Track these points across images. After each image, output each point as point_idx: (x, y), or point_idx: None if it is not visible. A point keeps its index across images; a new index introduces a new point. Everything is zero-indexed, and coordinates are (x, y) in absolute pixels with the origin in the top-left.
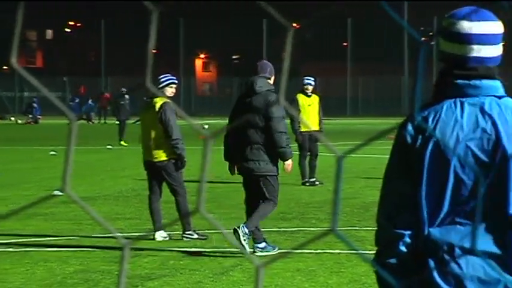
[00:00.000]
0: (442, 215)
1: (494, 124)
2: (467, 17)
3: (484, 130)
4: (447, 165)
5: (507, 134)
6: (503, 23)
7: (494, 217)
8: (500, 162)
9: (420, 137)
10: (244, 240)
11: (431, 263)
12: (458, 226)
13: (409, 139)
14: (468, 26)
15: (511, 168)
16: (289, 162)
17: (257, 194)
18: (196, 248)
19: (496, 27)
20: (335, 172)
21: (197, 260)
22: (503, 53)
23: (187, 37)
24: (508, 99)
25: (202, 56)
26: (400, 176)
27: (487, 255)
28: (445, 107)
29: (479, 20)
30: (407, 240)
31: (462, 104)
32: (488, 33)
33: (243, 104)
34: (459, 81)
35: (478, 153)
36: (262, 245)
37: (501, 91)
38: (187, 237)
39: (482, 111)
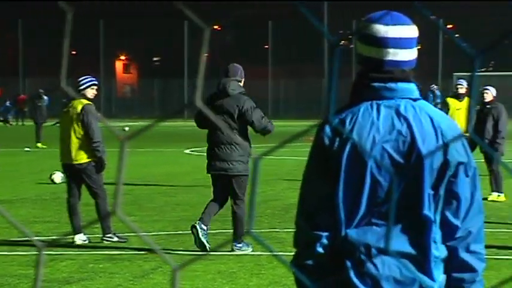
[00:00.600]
0: (359, 216)
1: (409, 126)
2: (384, 21)
3: (399, 132)
4: (364, 167)
5: (422, 136)
6: (418, 27)
7: (410, 218)
8: (415, 164)
9: (338, 139)
10: (244, 250)
11: (349, 264)
12: (374, 227)
13: (326, 141)
14: (384, 30)
15: (425, 170)
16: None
17: (224, 193)
18: (116, 251)
19: (411, 31)
20: (251, 174)
21: (117, 263)
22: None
23: (107, 38)
24: (422, 101)
25: (122, 57)
26: (318, 178)
27: (403, 255)
28: (362, 110)
29: (395, 24)
30: (325, 241)
31: (378, 106)
32: (404, 37)
33: (215, 106)
34: (375, 84)
35: (394, 154)
36: (205, 229)
37: (416, 94)
38: (107, 240)
39: (398, 113)
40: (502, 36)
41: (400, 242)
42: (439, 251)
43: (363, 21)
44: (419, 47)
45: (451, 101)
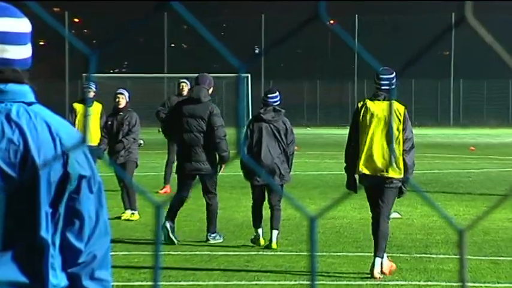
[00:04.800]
0: None
1: (22, 133)
2: None
3: (10, 140)
4: None
5: (37, 145)
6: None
7: (23, 241)
8: (30, 177)
9: None
10: (217, 240)
11: None
12: None
13: None
14: None
15: (41, 184)
16: (223, 166)
17: (190, 191)
18: None
19: (22, 25)
20: None
21: None
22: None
23: None
24: (38, 106)
25: None
26: None
27: (13, 285)
28: None
29: (2, 16)
30: None
31: None
32: (14, 32)
33: (186, 110)
34: None
35: (4, 166)
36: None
37: (31, 97)
38: None
39: (9, 119)
40: (120, 36)
41: (10, 270)
42: (58, 278)
43: None
44: (42, 43)
45: (78, 106)
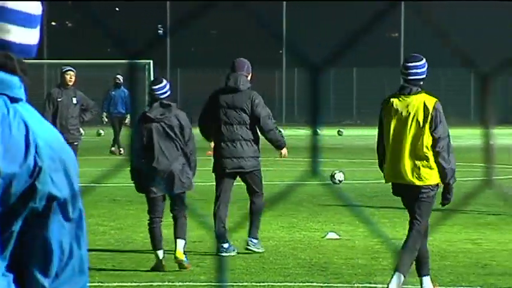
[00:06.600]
0: None
1: None
2: None
3: None
4: None
5: (5, 145)
6: None
7: None
8: None
9: None
10: (258, 248)
11: None
12: None
13: None
14: None
15: None
16: (284, 150)
17: (231, 191)
18: None
19: (31, 4)
20: None
21: None
22: None
23: None
24: (25, 104)
25: None
26: None
27: None
28: None
29: None
30: None
31: None
32: (20, 10)
33: (223, 101)
34: None
35: None
36: (226, 245)
37: (19, 92)
38: None
39: None
40: None
41: None
42: None
43: None
44: None
45: None
